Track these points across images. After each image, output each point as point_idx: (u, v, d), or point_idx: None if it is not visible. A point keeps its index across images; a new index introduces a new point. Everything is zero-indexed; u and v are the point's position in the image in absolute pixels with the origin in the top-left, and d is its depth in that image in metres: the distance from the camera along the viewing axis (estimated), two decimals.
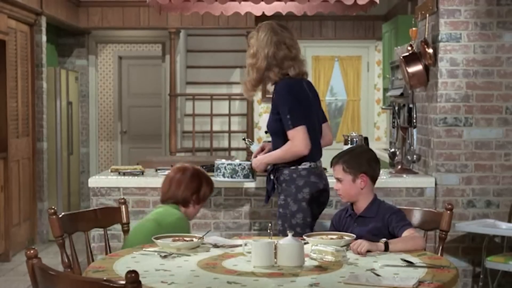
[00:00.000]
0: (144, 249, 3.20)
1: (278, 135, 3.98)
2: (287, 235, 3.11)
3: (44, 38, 8.15)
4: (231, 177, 4.33)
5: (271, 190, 4.12)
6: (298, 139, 3.85)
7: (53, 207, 3.49)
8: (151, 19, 9.27)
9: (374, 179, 3.51)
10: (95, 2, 9.33)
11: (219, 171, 4.36)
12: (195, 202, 3.88)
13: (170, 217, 3.68)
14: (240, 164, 4.33)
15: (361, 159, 3.49)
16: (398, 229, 3.33)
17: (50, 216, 3.40)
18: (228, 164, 4.34)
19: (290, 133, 3.88)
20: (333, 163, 3.54)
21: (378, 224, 3.40)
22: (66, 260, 3.38)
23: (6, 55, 7.15)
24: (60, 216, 3.44)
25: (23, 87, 7.74)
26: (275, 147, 4.04)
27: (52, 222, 3.41)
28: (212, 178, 4.10)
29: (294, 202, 3.93)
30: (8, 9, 7.17)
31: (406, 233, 3.30)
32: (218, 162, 4.40)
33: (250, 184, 4.88)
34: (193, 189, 3.86)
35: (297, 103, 3.92)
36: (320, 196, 3.97)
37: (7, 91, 7.17)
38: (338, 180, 3.49)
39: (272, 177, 4.08)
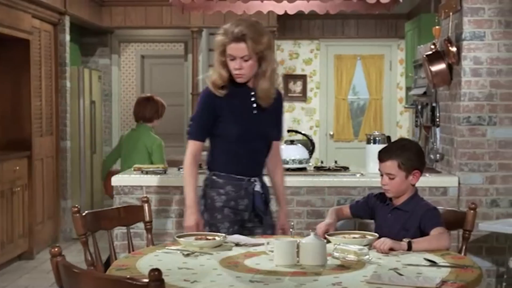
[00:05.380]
0: (167, 247, 3.22)
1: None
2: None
3: (67, 37, 8.21)
4: None
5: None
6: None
7: (76, 205, 3.51)
8: (174, 18, 9.30)
9: (422, 173, 3.53)
10: (118, 2, 9.38)
11: None
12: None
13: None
14: None
15: (414, 155, 3.46)
16: (428, 226, 3.31)
17: (74, 215, 3.42)
18: None
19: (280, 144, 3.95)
20: (383, 158, 3.47)
21: (412, 219, 3.39)
22: (89, 258, 3.40)
23: (30, 55, 7.21)
24: (84, 214, 3.46)
25: (47, 86, 7.80)
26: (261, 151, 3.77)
27: (75, 220, 3.42)
28: None
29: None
30: (33, 9, 7.23)
31: (434, 231, 3.27)
32: None
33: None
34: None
35: None
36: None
37: (31, 90, 7.23)
38: (389, 175, 3.44)
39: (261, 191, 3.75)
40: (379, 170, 3.51)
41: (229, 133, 3.64)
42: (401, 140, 3.78)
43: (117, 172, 5.32)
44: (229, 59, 3.56)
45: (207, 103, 3.65)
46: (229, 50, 3.54)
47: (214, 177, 3.68)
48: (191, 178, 3.62)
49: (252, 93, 3.67)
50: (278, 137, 3.87)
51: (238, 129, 3.63)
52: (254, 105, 3.67)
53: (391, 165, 3.43)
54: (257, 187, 3.71)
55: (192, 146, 3.68)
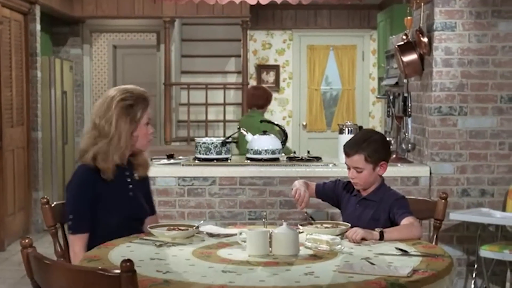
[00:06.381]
0: (139, 238, 3.20)
1: None
2: None
3: (38, 27, 8.12)
4: (205, 153, 5.00)
5: None
6: None
7: (45, 196, 3.48)
8: (146, 8, 9.24)
9: (388, 163, 3.53)
10: None
11: (196, 148, 5.06)
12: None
13: None
14: (213, 143, 5.02)
15: (380, 147, 3.45)
16: (398, 216, 3.33)
17: (43, 206, 3.39)
18: (203, 143, 5.03)
19: None
20: (349, 152, 3.45)
21: (380, 209, 3.40)
22: (59, 250, 3.38)
23: (0, 44, 7.12)
24: (53, 205, 3.43)
25: (18, 77, 7.71)
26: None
27: (44, 212, 3.40)
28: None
29: None
30: None
31: (405, 221, 3.29)
32: (196, 140, 5.10)
33: (244, 173, 4.95)
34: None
35: None
36: None
37: (1, 80, 7.15)
38: (356, 169, 3.42)
39: None
40: (346, 163, 3.51)
41: (108, 220, 3.27)
42: (366, 132, 3.74)
43: None
44: (145, 124, 3.31)
45: (89, 186, 3.24)
46: (149, 114, 3.32)
47: None
48: None
49: (127, 173, 3.38)
50: (153, 211, 3.55)
51: (117, 215, 3.30)
52: (130, 186, 3.38)
53: (358, 159, 3.42)
54: None
55: (80, 241, 3.21)
